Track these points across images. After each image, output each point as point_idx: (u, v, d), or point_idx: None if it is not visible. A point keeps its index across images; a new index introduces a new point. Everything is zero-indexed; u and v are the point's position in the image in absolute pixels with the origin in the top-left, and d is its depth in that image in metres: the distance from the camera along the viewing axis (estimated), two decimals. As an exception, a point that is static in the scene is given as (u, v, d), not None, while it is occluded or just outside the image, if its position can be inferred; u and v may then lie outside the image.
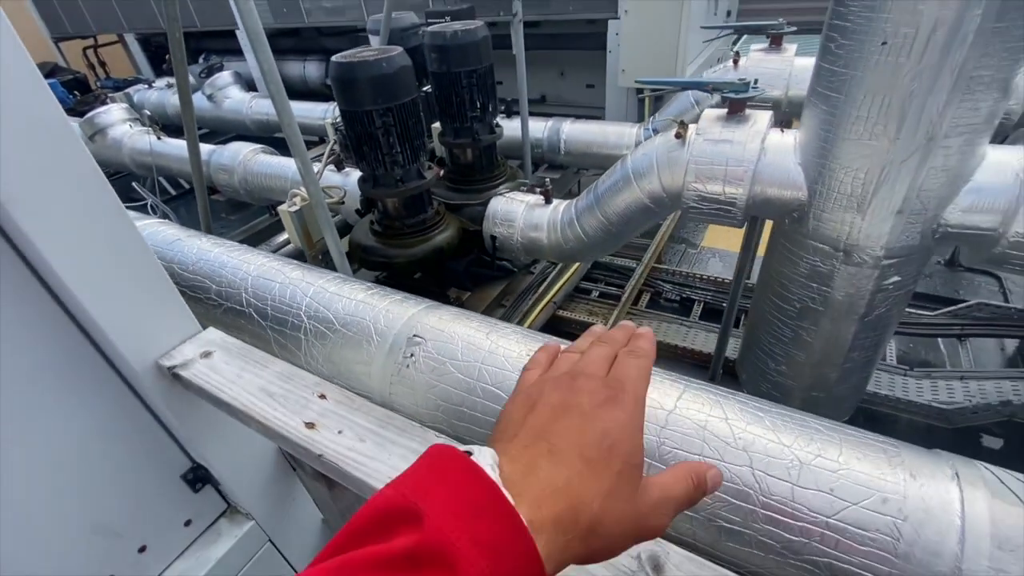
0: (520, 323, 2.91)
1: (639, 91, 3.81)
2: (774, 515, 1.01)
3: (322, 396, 0.81)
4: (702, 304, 3.25)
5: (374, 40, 3.33)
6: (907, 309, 2.93)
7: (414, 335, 1.53)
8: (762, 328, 2.09)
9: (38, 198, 0.75)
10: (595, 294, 3.43)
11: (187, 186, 5.74)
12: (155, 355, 0.88)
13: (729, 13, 5.60)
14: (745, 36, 3.29)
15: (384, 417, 0.77)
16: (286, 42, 6.64)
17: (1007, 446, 2.52)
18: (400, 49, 2.12)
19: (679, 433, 1.13)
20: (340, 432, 0.73)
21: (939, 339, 2.85)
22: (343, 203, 2.68)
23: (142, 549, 1.05)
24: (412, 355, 1.50)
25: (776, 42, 2.65)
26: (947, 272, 3.36)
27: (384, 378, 1.54)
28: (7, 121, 0.68)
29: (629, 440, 0.40)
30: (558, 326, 3.20)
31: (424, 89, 2.90)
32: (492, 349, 1.42)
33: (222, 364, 0.86)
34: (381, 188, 2.33)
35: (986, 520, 0.91)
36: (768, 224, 1.99)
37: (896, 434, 2.74)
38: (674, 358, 2.95)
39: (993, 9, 1.17)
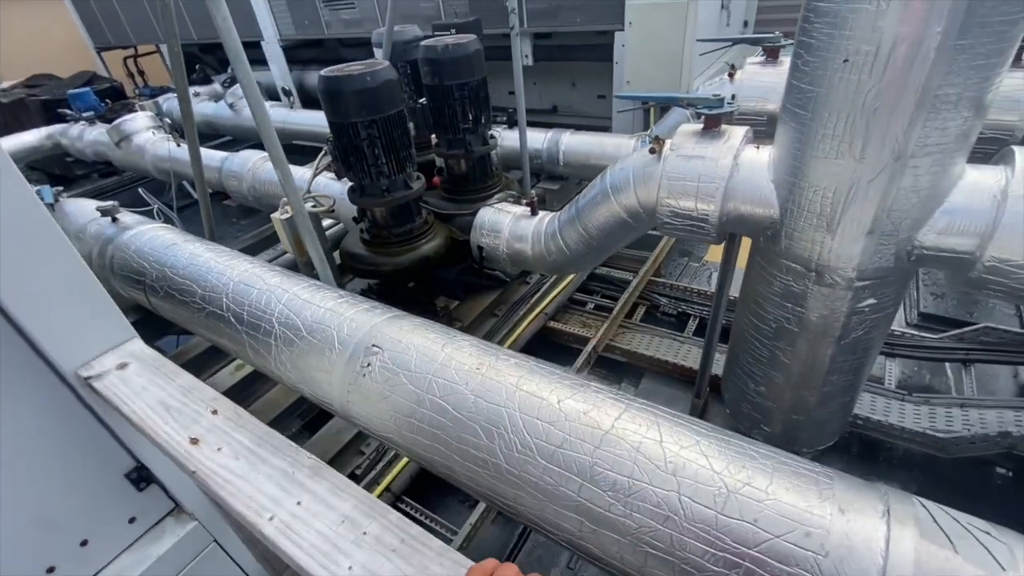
0: (509, 334, 2.92)
1: (644, 103, 3.78)
2: (697, 543, 0.99)
3: (214, 412, 0.83)
4: (697, 319, 3.19)
5: (378, 52, 3.41)
6: (911, 331, 2.82)
7: (373, 345, 1.55)
8: (741, 347, 2.05)
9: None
10: (590, 306, 3.40)
11: (209, 191, 5.97)
12: (77, 364, 0.92)
13: (746, 24, 5.52)
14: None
15: (264, 435, 0.79)
16: (308, 53, 6.84)
17: (1017, 479, 2.39)
18: (386, 63, 2.17)
19: (612, 454, 1.12)
20: (219, 449, 0.75)
21: (946, 364, 2.72)
22: (333, 211, 2.74)
23: (84, 543, 1.10)
24: (369, 364, 1.53)
25: (772, 55, 2.60)
26: (960, 293, 3.21)
27: (343, 387, 1.56)
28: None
29: None
30: (549, 337, 3.19)
31: (420, 101, 2.94)
32: (445, 361, 1.43)
33: (133, 376, 0.90)
34: (368, 198, 2.38)
35: (910, 561, 0.87)
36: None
37: (893, 463, 2.61)
38: (664, 374, 2.90)
39: (955, 26, 1.13)
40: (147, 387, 0.87)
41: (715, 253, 4.00)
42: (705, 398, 2.61)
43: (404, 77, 3.26)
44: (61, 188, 2.96)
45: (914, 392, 2.46)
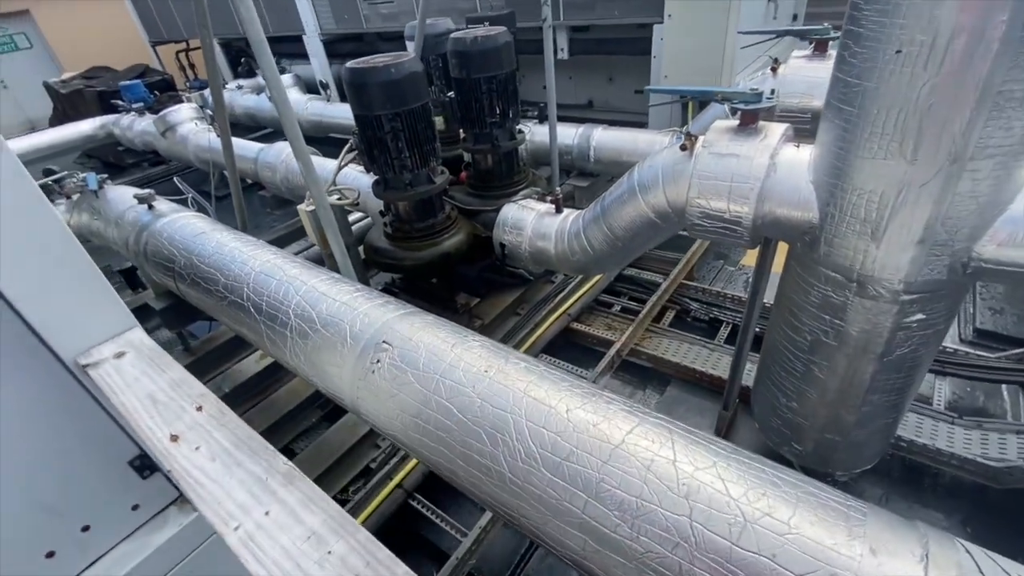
0: (530, 333, 2.86)
1: (682, 96, 3.64)
2: (706, 574, 0.91)
3: (199, 408, 0.82)
4: (729, 326, 3.04)
5: (411, 46, 3.39)
6: (965, 348, 2.61)
7: (383, 341, 1.53)
8: (773, 358, 1.93)
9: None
10: (616, 308, 3.30)
11: (249, 181, 6.14)
12: (77, 351, 0.92)
13: (795, 17, 5.25)
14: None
15: (244, 437, 0.76)
16: (348, 47, 6.93)
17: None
18: (412, 55, 2.14)
19: (621, 471, 1.06)
20: (197, 448, 0.73)
21: (1003, 386, 2.50)
22: (357, 204, 2.74)
23: (85, 528, 1.11)
24: (379, 361, 1.50)
25: (820, 48, 2.44)
26: (1022, 309, 2.95)
27: (353, 382, 1.55)
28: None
29: None
30: (572, 339, 3.11)
31: (449, 94, 2.91)
32: (453, 362, 1.39)
33: (128, 366, 0.89)
34: (391, 191, 2.37)
35: (949, 615, 0.77)
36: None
37: (938, 491, 2.42)
38: (692, 382, 2.78)
39: (1021, 15, 1.00)
40: (139, 378, 0.87)
41: (753, 257, 3.82)
42: (733, 410, 2.48)
43: (436, 71, 3.24)
44: (106, 176, 3.07)
45: (965, 415, 2.27)
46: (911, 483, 2.26)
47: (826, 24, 2.40)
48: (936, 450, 2.13)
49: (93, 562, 1.07)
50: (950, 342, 2.75)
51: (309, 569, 0.54)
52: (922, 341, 1.55)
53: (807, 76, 2.45)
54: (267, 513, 0.61)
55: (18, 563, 1.01)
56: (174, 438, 0.74)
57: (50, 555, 1.03)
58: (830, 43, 2.43)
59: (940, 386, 2.50)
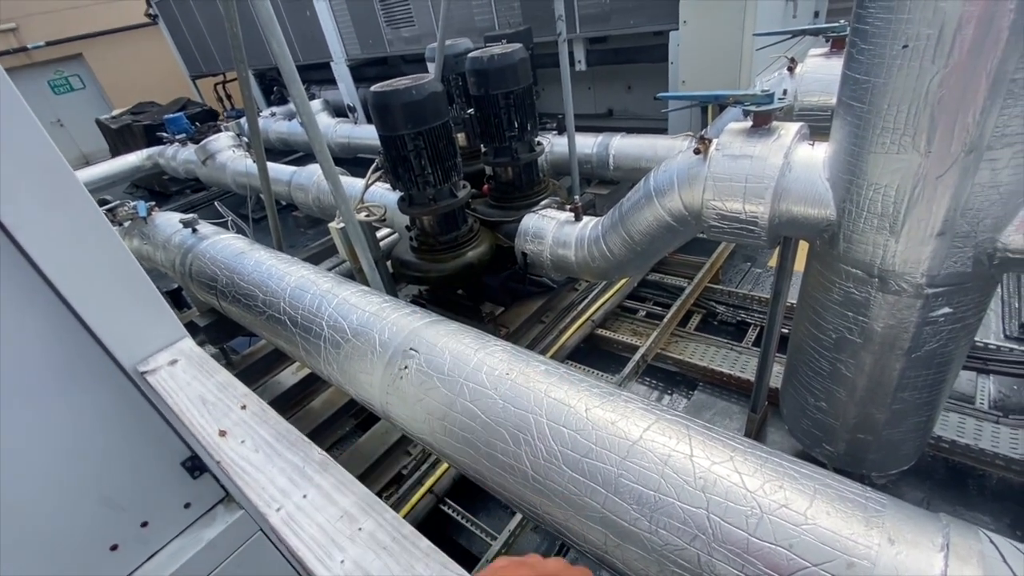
0: (555, 340, 2.90)
1: (700, 102, 3.64)
2: (726, 566, 0.94)
3: (243, 407, 0.89)
4: (757, 328, 3.01)
5: (431, 67, 3.52)
6: (1010, 345, 2.50)
7: (410, 348, 1.60)
8: (800, 359, 1.91)
9: (42, 228, 0.91)
10: (641, 313, 3.30)
11: (283, 203, 6.42)
12: (137, 359, 1.02)
13: (817, 14, 5.18)
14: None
15: (284, 431, 0.83)
16: (373, 71, 7.19)
17: None
18: (431, 77, 2.24)
19: (638, 467, 1.09)
20: (243, 442, 0.80)
21: (1054, 382, 2.39)
22: (384, 220, 2.85)
23: (144, 524, 1.21)
24: (406, 367, 1.57)
25: (838, 45, 2.42)
26: (1075, 302, 2.81)
27: (383, 388, 1.62)
28: (16, 168, 0.85)
29: None
30: (597, 345, 3.13)
31: (469, 111, 3.01)
32: (476, 366, 1.45)
33: (180, 372, 0.99)
34: (416, 207, 2.46)
35: (970, 603, 0.77)
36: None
37: (984, 493, 2.34)
38: (720, 385, 2.76)
39: (1032, 1, 1.01)
40: (190, 382, 0.96)
41: (779, 258, 3.76)
42: (763, 413, 2.45)
43: (456, 90, 3.35)
44: (154, 203, 3.29)
45: (1011, 414, 2.18)
46: (955, 486, 2.17)
47: (843, 21, 2.38)
48: (980, 450, 2.05)
49: (152, 555, 1.17)
50: (994, 338, 2.65)
51: (342, 543, 0.59)
52: (951, 336, 1.52)
53: (825, 74, 2.43)
54: (305, 496, 0.68)
55: (87, 555, 1.12)
56: (222, 433, 0.82)
57: (114, 548, 1.13)
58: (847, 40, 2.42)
59: (984, 385, 2.41)
